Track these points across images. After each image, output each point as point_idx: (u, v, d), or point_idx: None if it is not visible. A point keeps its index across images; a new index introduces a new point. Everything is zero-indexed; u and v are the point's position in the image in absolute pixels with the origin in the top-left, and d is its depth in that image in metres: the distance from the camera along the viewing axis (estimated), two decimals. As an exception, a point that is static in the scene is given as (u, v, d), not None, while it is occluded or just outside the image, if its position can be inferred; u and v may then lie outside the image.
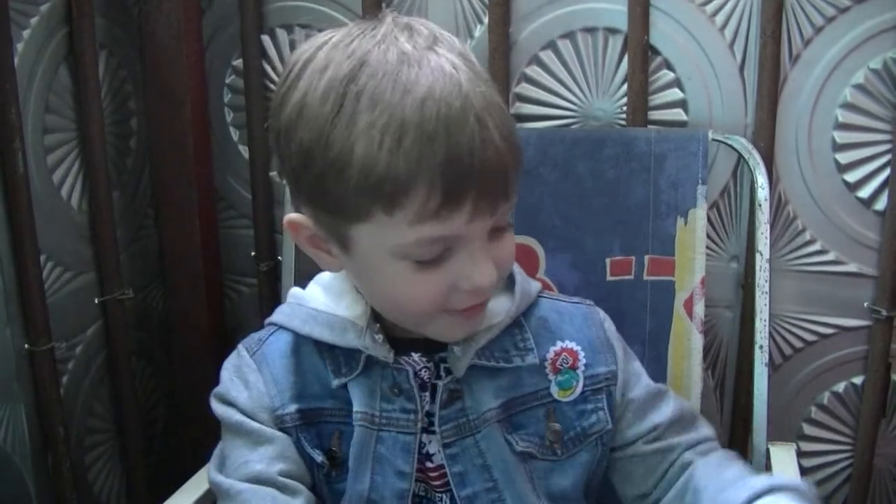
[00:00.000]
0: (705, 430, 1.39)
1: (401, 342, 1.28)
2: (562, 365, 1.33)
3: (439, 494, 1.32)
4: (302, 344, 1.33)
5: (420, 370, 1.29)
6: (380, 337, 1.26)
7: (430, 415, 1.29)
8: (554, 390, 1.33)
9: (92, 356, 1.94)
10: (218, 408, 1.33)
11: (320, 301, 1.34)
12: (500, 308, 1.31)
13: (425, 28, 1.13)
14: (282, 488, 1.26)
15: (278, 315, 1.37)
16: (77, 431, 1.91)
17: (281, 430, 1.30)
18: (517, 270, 1.36)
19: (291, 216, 1.21)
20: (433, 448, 1.30)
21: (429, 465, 1.31)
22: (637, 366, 1.40)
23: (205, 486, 1.54)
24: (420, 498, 1.33)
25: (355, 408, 1.29)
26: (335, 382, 1.30)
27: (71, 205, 1.84)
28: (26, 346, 1.72)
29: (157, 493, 1.56)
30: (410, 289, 1.16)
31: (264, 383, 1.32)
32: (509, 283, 1.34)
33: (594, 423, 1.33)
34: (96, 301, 1.91)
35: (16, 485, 1.74)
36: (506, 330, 1.31)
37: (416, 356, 1.28)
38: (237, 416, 1.30)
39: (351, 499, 1.30)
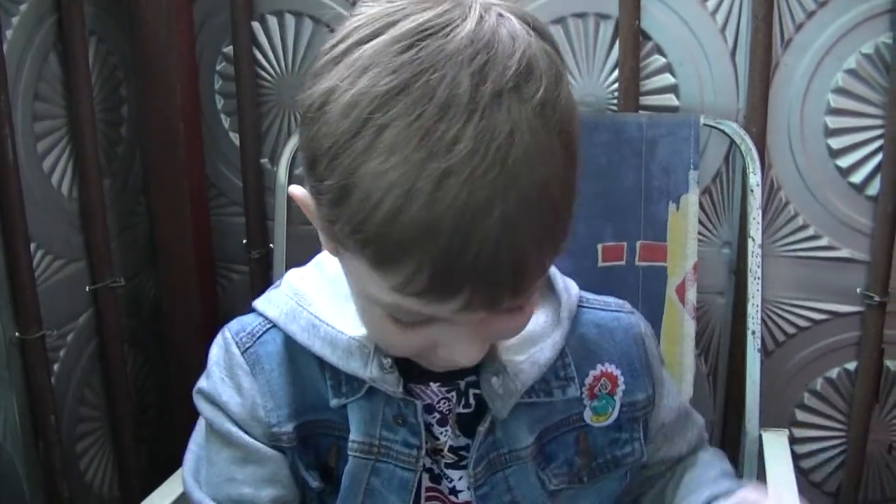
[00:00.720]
0: (699, 422, 1.33)
1: (416, 365, 1.09)
2: (600, 390, 1.20)
3: None
4: (300, 349, 1.14)
5: (438, 402, 1.14)
6: (388, 361, 1.09)
7: (454, 449, 1.15)
8: (587, 415, 1.19)
9: (83, 344, 1.93)
10: (206, 408, 1.16)
11: (323, 306, 1.15)
12: (543, 331, 1.15)
13: (517, 50, 0.86)
14: None
15: (273, 309, 1.18)
16: (68, 420, 1.90)
17: (274, 447, 1.15)
18: (556, 276, 1.20)
19: (296, 190, 1.01)
20: (461, 485, 1.17)
21: (454, 499, 1.18)
22: (668, 383, 1.27)
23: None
24: None
25: (352, 436, 1.13)
26: (334, 402, 1.14)
27: (61, 192, 1.83)
28: (17, 334, 1.71)
29: (149, 481, 1.55)
30: (384, 335, 1.01)
31: (259, 392, 1.14)
32: (552, 300, 1.19)
33: (628, 453, 1.21)
34: (87, 289, 1.91)
35: (7, 473, 1.74)
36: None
37: (434, 387, 1.13)
38: (227, 425, 1.14)
39: None
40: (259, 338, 1.17)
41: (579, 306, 1.21)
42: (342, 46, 0.90)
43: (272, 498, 1.13)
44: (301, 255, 1.76)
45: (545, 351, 1.14)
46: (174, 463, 1.57)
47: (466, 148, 0.81)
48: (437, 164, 0.81)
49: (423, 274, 0.85)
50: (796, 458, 1.75)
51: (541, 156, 0.85)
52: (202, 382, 1.17)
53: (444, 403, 1.14)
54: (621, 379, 1.20)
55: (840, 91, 1.67)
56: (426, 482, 1.17)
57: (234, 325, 1.20)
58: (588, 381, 1.19)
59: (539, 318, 1.15)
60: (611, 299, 1.25)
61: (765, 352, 1.80)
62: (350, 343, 1.11)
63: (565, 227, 0.91)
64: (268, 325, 1.18)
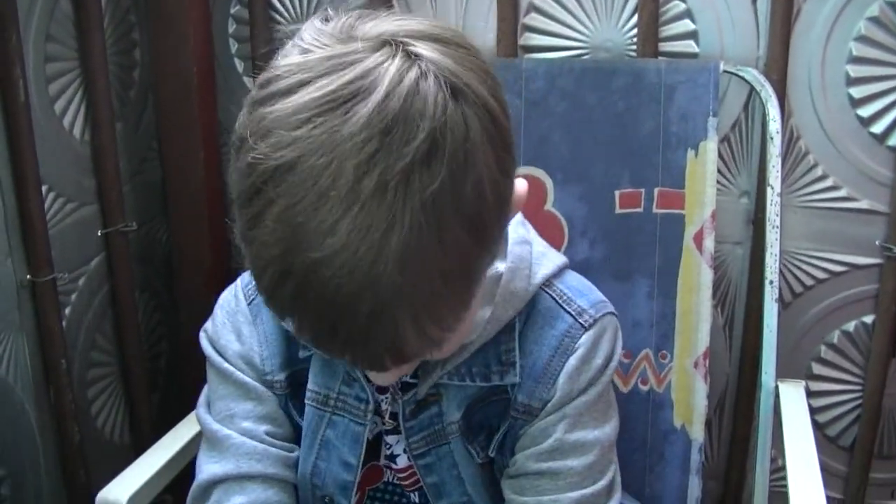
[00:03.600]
0: None
1: None
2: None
3: (410, 492, 1.29)
4: None
5: None
6: None
7: (394, 415, 1.22)
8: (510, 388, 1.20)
9: (95, 289, 1.93)
10: (207, 346, 1.26)
11: None
12: (480, 320, 1.15)
13: (421, 132, 0.83)
14: (269, 447, 1.23)
15: None
16: (80, 365, 1.91)
17: (272, 392, 1.24)
18: (516, 258, 1.18)
19: None
20: (398, 449, 1.25)
21: (394, 466, 1.27)
22: (575, 436, 1.18)
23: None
24: (394, 487, 1.30)
25: (308, 385, 1.23)
26: (301, 353, 1.23)
27: (73, 135, 1.82)
28: (28, 276, 1.71)
29: (161, 428, 1.55)
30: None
31: (258, 341, 1.24)
32: (494, 286, 1.16)
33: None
34: (99, 233, 1.90)
35: (18, 417, 1.74)
36: (493, 338, 1.17)
37: None
38: (225, 364, 1.24)
39: (300, 474, 1.26)
40: None
41: (545, 290, 1.20)
42: (262, 93, 0.89)
43: (269, 433, 1.22)
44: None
45: (475, 343, 1.15)
46: (185, 410, 1.57)
47: (339, 243, 0.82)
48: (308, 255, 0.83)
49: (305, 334, 0.90)
50: (812, 411, 1.72)
51: (422, 251, 0.84)
52: (208, 323, 1.28)
53: None
54: (518, 370, 1.18)
55: (862, 39, 1.65)
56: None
57: (247, 275, 1.25)
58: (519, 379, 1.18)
59: (483, 309, 1.15)
60: (587, 301, 1.21)
61: (782, 304, 1.78)
62: None
63: (458, 307, 0.93)
64: None
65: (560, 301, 1.20)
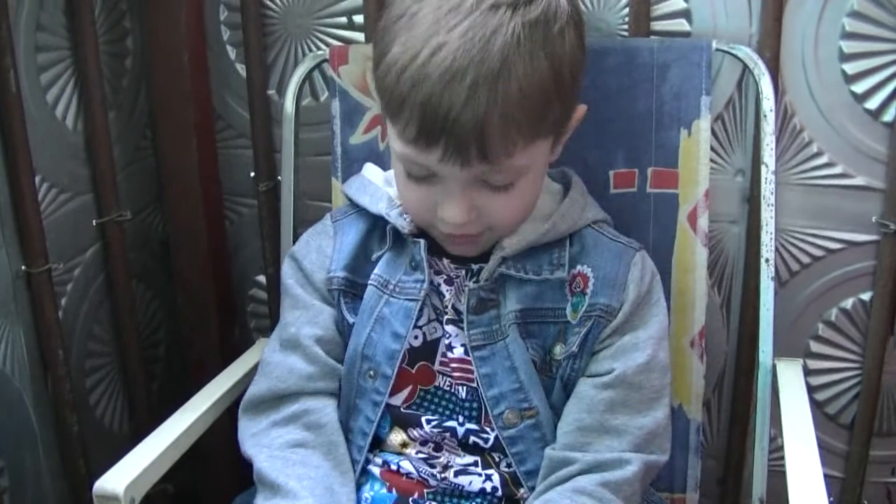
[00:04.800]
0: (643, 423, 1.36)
1: (435, 245, 1.42)
2: (576, 288, 1.39)
3: (458, 385, 1.42)
4: (374, 228, 1.48)
5: (448, 271, 1.42)
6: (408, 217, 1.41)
7: (458, 311, 1.40)
8: (568, 311, 1.39)
9: (91, 279, 1.92)
10: (285, 265, 1.53)
11: (375, 175, 1.54)
12: (535, 227, 1.39)
13: None
14: (308, 355, 1.44)
15: (349, 182, 1.56)
16: (77, 354, 1.90)
17: (329, 290, 1.47)
18: (575, 195, 1.44)
19: None
20: (456, 342, 1.41)
21: (450, 355, 1.42)
22: (645, 332, 1.38)
23: (206, 405, 1.54)
24: (443, 392, 1.43)
25: (376, 271, 1.45)
26: (374, 256, 1.46)
27: (66, 125, 1.82)
28: (23, 267, 1.70)
29: (160, 417, 1.55)
30: (403, 191, 1.36)
31: (332, 248, 1.49)
32: (554, 206, 1.42)
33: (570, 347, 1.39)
34: (94, 223, 1.90)
35: (16, 407, 1.74)
36: (544, 246, 1.39)
37: (446, 261, 1.42)
38: (289, 280, 1.50)
39: (351, 351, 1.44)
40: (349, 214, 1.53)
41: (592, 227, 1.43)
42: None
43: (312, 335, 1.45)
44: (309, 186, 1.77)
45: (531, 237, 1.38)
46: (184, 397, 1.57)
47: (460, 32, 1.16)
48: (437, 39, 1.17)
49: (413, 123, 1.19)
50: (811, 390, 1.73)
51: (516, 54, 1.17)
52: (294, 246, 1.56)
53: (452, 271, 1.42)
54: (592, 281, 1.39)
55: (855, 14, 1.64)
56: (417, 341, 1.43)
57: (338, 209, 1.59)
58: (568, 278, 1.40)
59: (540, 220, 1.40)
60: (628, 239, 1.44)
61: (779, 282, 1.78)
62: (383, 193, 1.47)
63: (532, 119, 1.22)
64: (354, 209, 1.52)
65: (608, 236, 1.44)
